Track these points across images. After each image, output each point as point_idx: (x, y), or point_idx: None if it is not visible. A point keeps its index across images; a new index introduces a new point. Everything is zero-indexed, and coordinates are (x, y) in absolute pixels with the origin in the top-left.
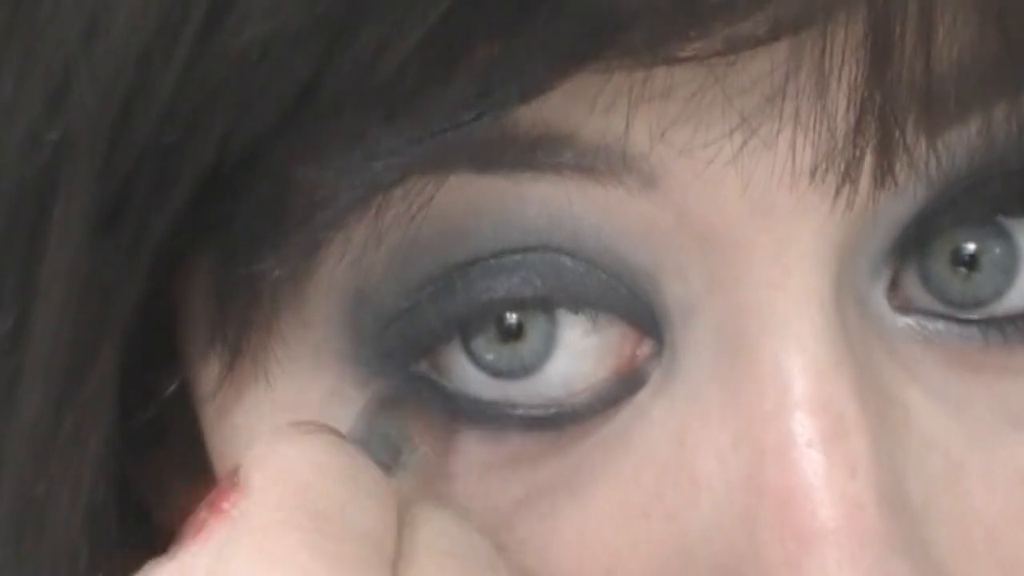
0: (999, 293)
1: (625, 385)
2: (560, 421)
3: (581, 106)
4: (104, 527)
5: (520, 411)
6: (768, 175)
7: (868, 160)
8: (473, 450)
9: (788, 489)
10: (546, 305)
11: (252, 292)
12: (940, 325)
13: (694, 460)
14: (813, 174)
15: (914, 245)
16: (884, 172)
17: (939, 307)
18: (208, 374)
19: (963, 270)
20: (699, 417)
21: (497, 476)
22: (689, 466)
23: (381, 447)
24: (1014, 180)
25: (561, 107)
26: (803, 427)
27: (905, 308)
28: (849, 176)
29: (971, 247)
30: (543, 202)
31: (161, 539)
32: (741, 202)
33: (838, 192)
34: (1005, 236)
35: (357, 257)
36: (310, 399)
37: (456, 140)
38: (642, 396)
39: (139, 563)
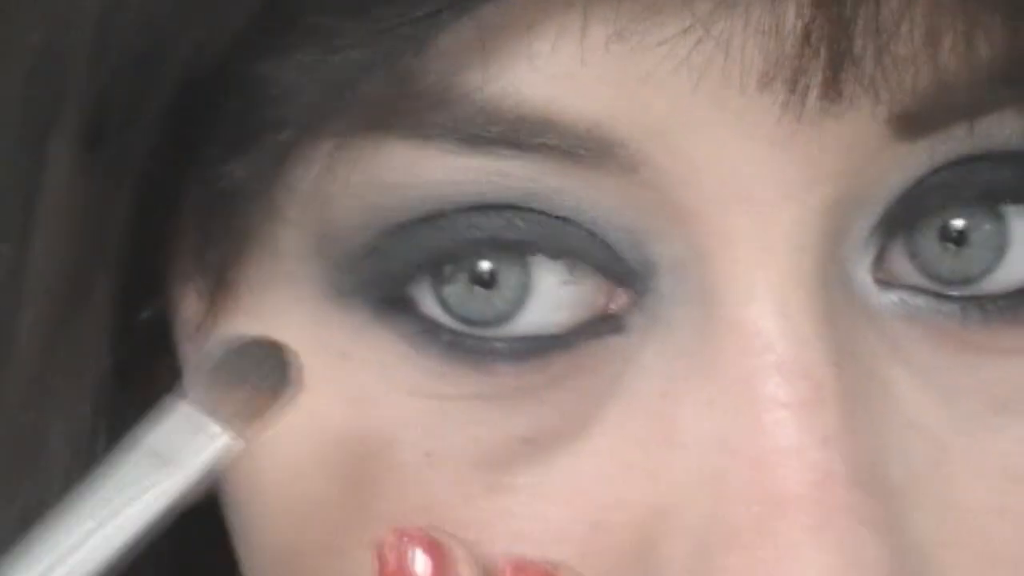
0: (987, 271)
1: (602, 327)
2: (544, 350)
3: (534, 13)
4: (97, 459)
5: (501, 345)
6: (719, 79)
7: (816, 71)
8: (468, 384)
9: (758, 452)
10: (525, 250)
11: (227, 212)
12: (921, 301)
13: (674, 414)
14: (761, 81)
15: (901, 221)
16: (829, 85)
17: (926, 283)
18: (192, 309)
19: (952, 246)
20: (683, 371)
21: (498, 409)
22: (671, 419)
23: (184, 436)
24: (1006, 168)
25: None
26: (779, 390)
27: (890, 283)
28: (794, 88)
29: (960, 223)
30: (524, 178)
31: None
32: (722, 187)
33: (784, 102)
34: (995, 215)
35: (326, 168)
36: (291, 328)
37: (442, 111)
38: (627, 343)
39: None
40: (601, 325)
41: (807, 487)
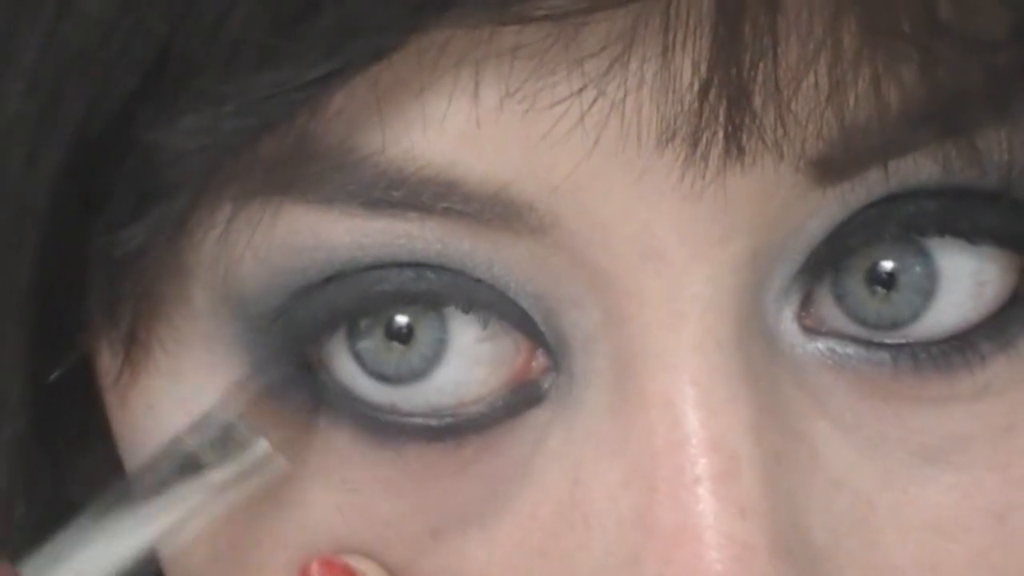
0: (916, 315)
1: (520, 397)
2: (457, 431)
3: (426, 75)
4: (15, 523)
5: (416, 420)
6: (616, 138)
7: (716, 129)
8: (379, 471)
9: (676, 528)
10: (437, 302)
11: (133, 270)
12: (851, 350)
13: (587, 498)
14: (660, 140)
15: (826, 263)
16: (730, 142)
17: (853, 328)
18: (107, 363)
19: (880, 290)
20: (593, 452)
21: (407, 502)
22: (583, 505)
23: (217, 434)
24: (930, 201)
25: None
26: (693, 464)
27: (816, 330)
28: (695, 146)
29: (888, 265)
30: (433, 240)
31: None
32: (632, 246)
33: (685, 164)
34: (924, 255)
35: (227, 232)
36: (207, 393)
37: (343, 175)
38: (540, 418)
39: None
40: (520, 392)
41: (726, 562)
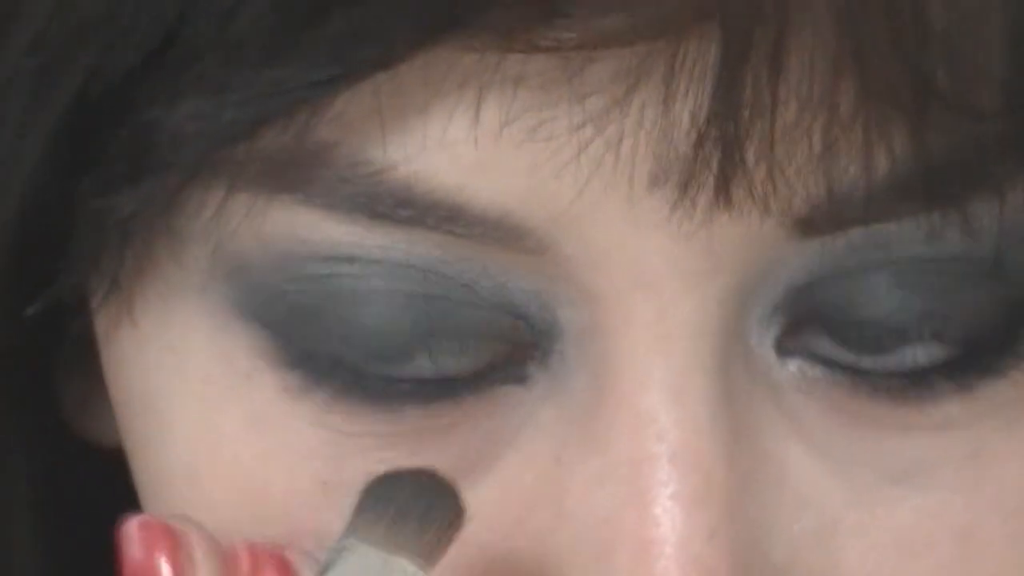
0: (896, 345)
1: (506, 373)
2: (445, 394)
3: (429, 93)
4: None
5: (404, 386)
6: (611, 176)
7: (707, 178)
8: (374, 423)
9: (644, 540)
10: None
11: (122, 229)
12: (821, 373)
13: (566, 481)
14: (652, 182)
15: (809, 293)
16: (719, 192)
17: (833, 352)
18: (95, 301)
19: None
20: (577, 438)
21: (400, 452)
22: (561, 484)
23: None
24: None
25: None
26: (669, 481)
27: (795, 352)
28: (685, 191)
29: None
30: (432, 246)
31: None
32: (625, 274)
33: (674, 207)
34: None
35: (220, 213)
36: (198, 334)
37: (351, 186)
38: (528, 396)
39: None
40: (505, 370)
41: None
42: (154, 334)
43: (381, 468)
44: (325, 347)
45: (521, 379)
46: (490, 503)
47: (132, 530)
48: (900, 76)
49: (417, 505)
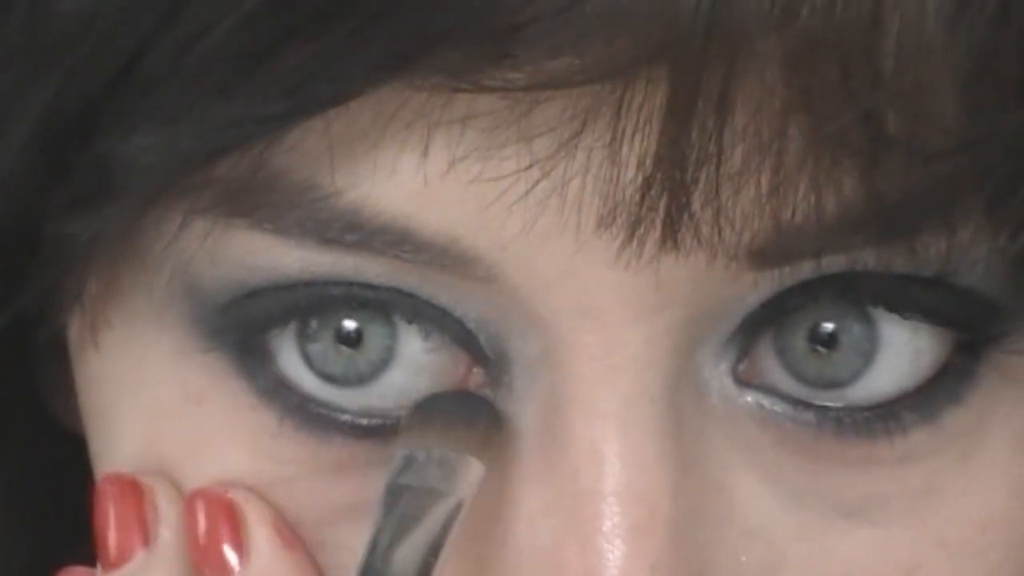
0: (855, 377)
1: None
2: (384, 433)
3: (380, 128)
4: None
5: (345, 417)
6: (557, 217)
7: (654, 222)
8: (301, 451)
9: (585, 572)
10: (385, 310)
11: (84, 250)
12: (779, 407)
13: (509, 515)
14: (599, 224)
15: (765, 322)
16: (666, 236)
17: (790, 384)
18: (62, 315)
19: (822, 349)
20: (522, 473)
21: (325, 481)
22: (504, 519)
23: (442, 475)
24: (865, 279)
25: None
26: (612, 514)
27: (750, 383)
28: (633, 234)
29: (829, 327)
30: (383, 275)
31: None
32: (573, 303)
33: (622, 246)
34: (865, 319)
35: (177, 238)
36: (155, 353)
37: (300, 211)
38: None
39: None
40: None
41: None
42: (115, 353)
43: (316, 499)
44: (274, 374)
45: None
46: None
47: (103, 485)
48: (850, 120)
49: (460, 413)
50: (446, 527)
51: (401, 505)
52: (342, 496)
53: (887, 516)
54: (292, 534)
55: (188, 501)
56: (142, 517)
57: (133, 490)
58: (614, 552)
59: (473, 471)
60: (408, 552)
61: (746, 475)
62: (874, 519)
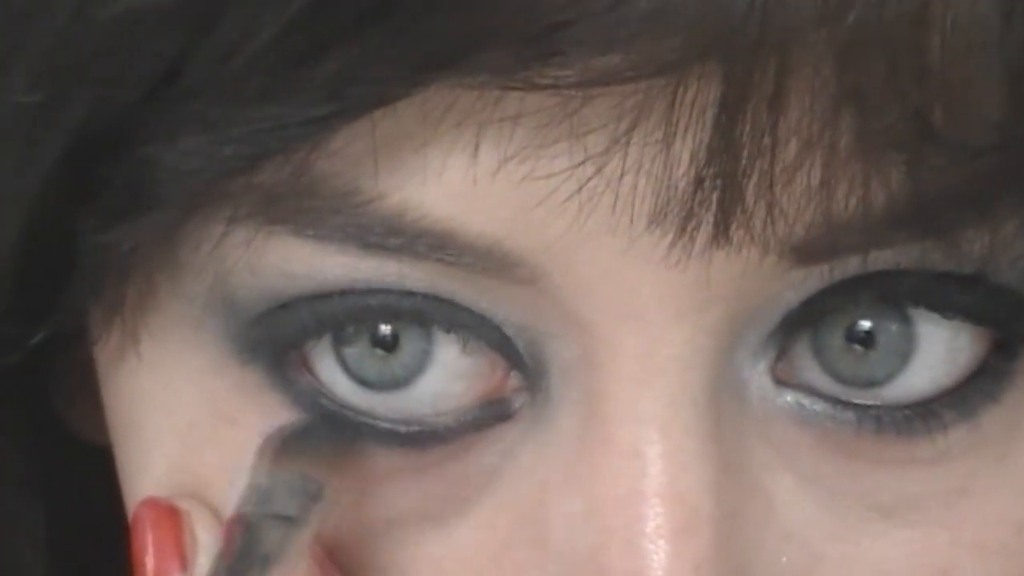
0: (891, 376)
1: (490, 413)
2: (422, 440)
3: (428, 129)
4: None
5: (383, 425)
6: (609, 213)
7: (707, 217)
8: (341, 459)
9: (630, 574)
10: (421, 319)
11: (123, 261)
12: (818, 406)
13: (548, 521)
14: (651, 220)
15: (803, 322)
16: (719, 230)
17: (827, 383)
18: (94, 328)
19: (858, 347)
20: (560, 478)
21: (365, 493)
22: (543, 526)
23: (288, 498)
24: (906, 277)
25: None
26: (655, 515)
27: (788, 383)
28: (684, 229)
29: (866, 325)
30: (424, 280)
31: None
32: (614, 304)
33: (672, 243)
34: (903, 318)
35: (218, 247)
36: (187, 372)
37: (342, 217)
38: (511, 432)
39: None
40: (491, 408)
41: None
42: (148, 366)
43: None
44: (310, 383)
45: (507, 415)
46: (467, 545)
47: (140, 510)
48: (898, 115)
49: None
50: (291, 550)
51: (251, 534)
52: (382, 511)
53: (923, 517)
54: (329, 562)
55: (227, 526)
56: (179, 543)
57: (170, 516)
58: (658, 554)
59: (321, 493)
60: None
61: (785, 476)
62: (911, 520)
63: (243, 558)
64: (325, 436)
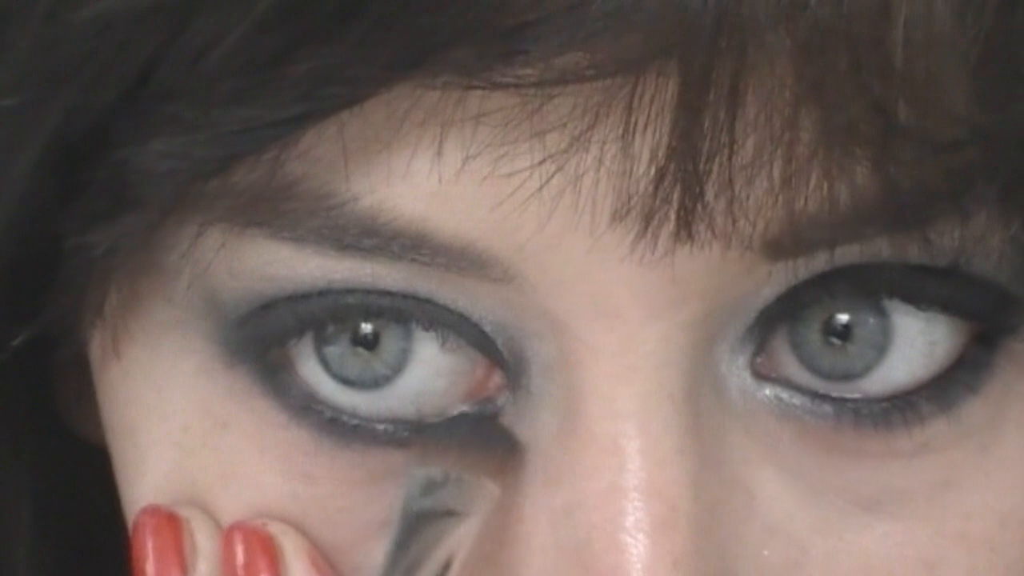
0: (868, 369)
1: (474, 410)
2: (414, 442)
3: (392, 129)
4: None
5: (370, 424)
6: (571, 213)
7: (668, 214)
8: (335, 464)
9: (610, 569)
10: (400, 317)
11: (104, 263)
12: (797, 400)
13: (532, 516)
14: (614, 217)
15: (781, 316)
16: (680, 227)
17: (805, 377)
18: (91, 336)
19: (836, 340)
20: (542, 474)
21: (359, 494)
22: (528, 521)
23: (459, 495)
24: (880, 270)
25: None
26: (634, 510)
27: (768, 377)
28: (647, 226)
29: (844, 318)
30: (400, 280)
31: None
32: (589, 302)
33: (636, 240)
34: (879, 311)
35: (194, 248)
36: (179, 375)
37: (316, 219)
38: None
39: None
40: (475, 406)
41: None
42: (139, 369)
43: (351, 518)
44: (299, 386)
45: (494, 414)
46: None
47: (140, 517)
48: (861, 110)
49: (476, 436)
50: (458, 548)
51: (419, 527)
52: (376, 512)
53: (906, 510)
54: (328, 567)
55: (226, 534)
56: (180, 550)
57: (170, 523)
58: (638, 548)
59: (488, 494)
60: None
61: (766, 470)
62: (893, 513)
63: (413, 550)
64: (498, 438)
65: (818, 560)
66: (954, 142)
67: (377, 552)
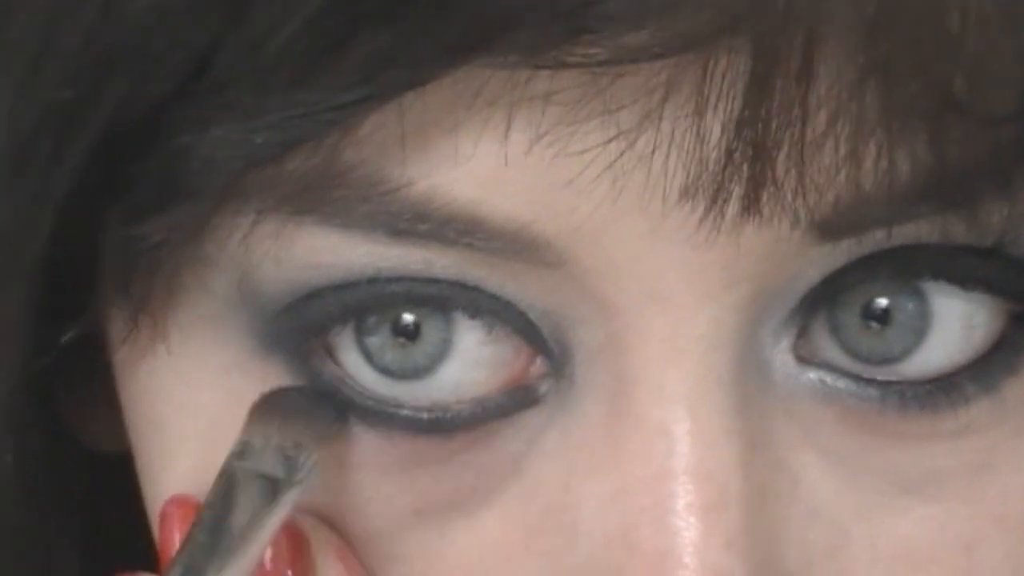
0: (907, 352)
1: (515, 400)
2: (446, 426)
3: (458, 111)
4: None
5: (405, 412)
6: (641, 189)
7: (736, 189)
8: (366, 451)
9: (660, 552)
10: (444, 306)
11: (151, 255)
12: (841, 383)
13: (577, 503)
14: (683, 194)
15: (822, 299)
16: (750, 202)
17: (845, 361)
18: (116, 328)
19: (875, 325)
20: (587, 462)
21: (392, 482)
22: (572, 508)
23: (277, 462)
24: (926, 251)
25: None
26: (685, 492)
27: (809, 361)
28: (715, 202)
29: (883, 302)
30: (450, 266)
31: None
32: (641, 286)
33: (704, 215)
34: (918, 295)
35: (246, 237)
36: (210, 369)
37: (370, 204)
38: (536, 419)
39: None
40: (515, 394)
41: None
42: (171, 364)
43: (383, 507)
44: (334, 374)
45: (534, 400)
46: (494, 533)
47: (168, 507)
48: (920, 86)
49: (301, 407)
50: (277, 512)
51: (236, 488)
52: (409, 500)
53: (945, 492)
54: (355, 560)
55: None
56: None
57: (197, 512)
58: (689, 531)
59: (310, 461)
60: (236, 532)
61: (809, 454)
62: (934, 495)
63: (223, 509)
64: (322, 409)
65: (859, 543)
66: (1008, 118)
67: (413, 540)
